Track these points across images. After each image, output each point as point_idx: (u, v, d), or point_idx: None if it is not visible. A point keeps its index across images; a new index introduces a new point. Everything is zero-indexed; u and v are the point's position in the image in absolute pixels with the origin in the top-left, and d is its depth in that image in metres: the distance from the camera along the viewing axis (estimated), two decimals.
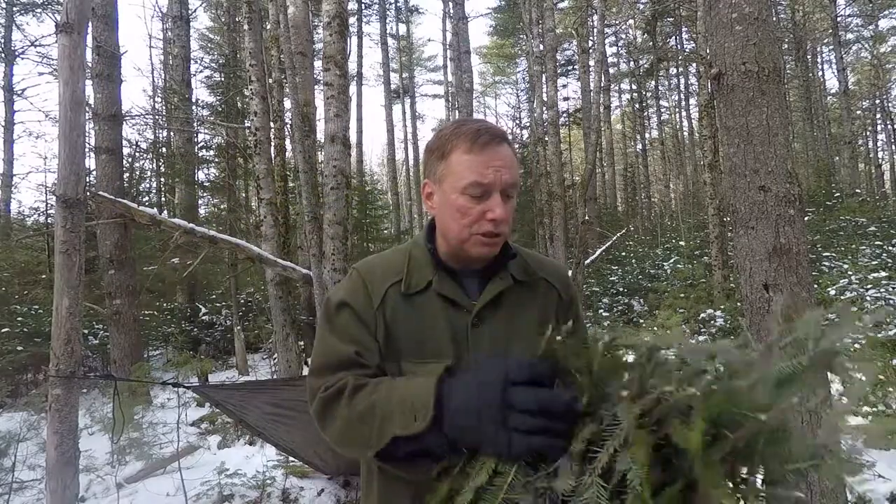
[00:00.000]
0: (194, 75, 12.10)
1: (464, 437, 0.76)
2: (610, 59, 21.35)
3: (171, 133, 11.38)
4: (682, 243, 10.26)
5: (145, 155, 11.70)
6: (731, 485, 0.63)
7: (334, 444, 0.92)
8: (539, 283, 1.07)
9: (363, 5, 20.63)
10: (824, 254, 8.10)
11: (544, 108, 12.16)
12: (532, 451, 0.71)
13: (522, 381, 0.74)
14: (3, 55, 12.89)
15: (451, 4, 13.59)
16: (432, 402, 0.77)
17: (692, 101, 21.42)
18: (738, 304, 6.19)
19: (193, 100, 11.40)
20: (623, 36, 22.12)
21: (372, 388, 0.88)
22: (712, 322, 6.49)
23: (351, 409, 0.87)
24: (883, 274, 6.43)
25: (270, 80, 7.72)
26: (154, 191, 11.94)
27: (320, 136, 7.82)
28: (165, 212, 5.93)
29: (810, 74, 20.18)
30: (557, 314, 1.05)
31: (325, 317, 1.01)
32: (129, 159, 10.53)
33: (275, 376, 6.54)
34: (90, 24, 4.41)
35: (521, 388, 0.73)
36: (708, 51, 7.11)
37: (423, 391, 0.79)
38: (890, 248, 8.00)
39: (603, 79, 14.25)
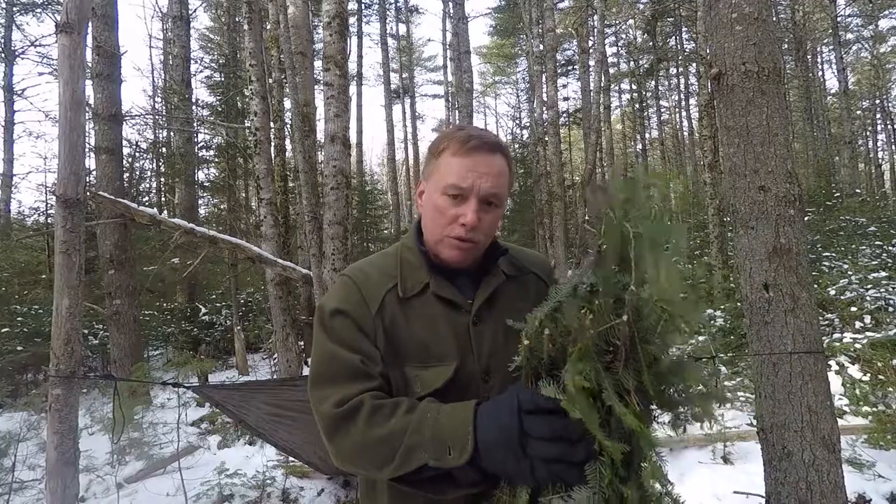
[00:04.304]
0: (194, 75, 12.11)
1: (496, 468, 0.78)
2: (610, 59, 21.34)
3: (171, 133, 11.38)
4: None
5: (145, 155, 11.70)
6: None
7: (342, 459, 0.90)
8: (529, 277, 1.09)
9: (363, 5, 20.62)
10: (824, 254, 8.09)
11: (544, 108, 12.15)
12: (554, 478, 0.74)
13: (534, 409, 0.76)
14: (3, 55, 12.88)
15: (451, 4, 13.59)
16: (471, 439, 0.78)
17: (692, 101, 21.40)
18: (738, 304, 6.19)
19: (193, 100, 11.39)
20: (623, 36, 22.13)
21: (391, 411, 0.86)
22: (712, 322, 6.48)
23: (369, 431, 0.85)
24: (883, 274, 6.42)
25: (270, 80, 7.72)
26: (154, 191, 11.96)
27: (320, 136, 7.82)
28: (165, 212, 5.93)
29: (810, 74, 20.15)
30: None
31: (320, 325, 0.98)
32: (129, 159, 10.53)
33: (275, 376, 6.54)
34: (90, 24, 4.41)
35: (535, 416, 0.76)
36: (708, 51, 7.11)
37: (460, 426, 0.80)
38: (890, 248, 8.00)
39: (603, 79, 14.26)
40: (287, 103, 7.75)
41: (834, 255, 7.99)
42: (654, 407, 0.79)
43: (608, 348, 0.75)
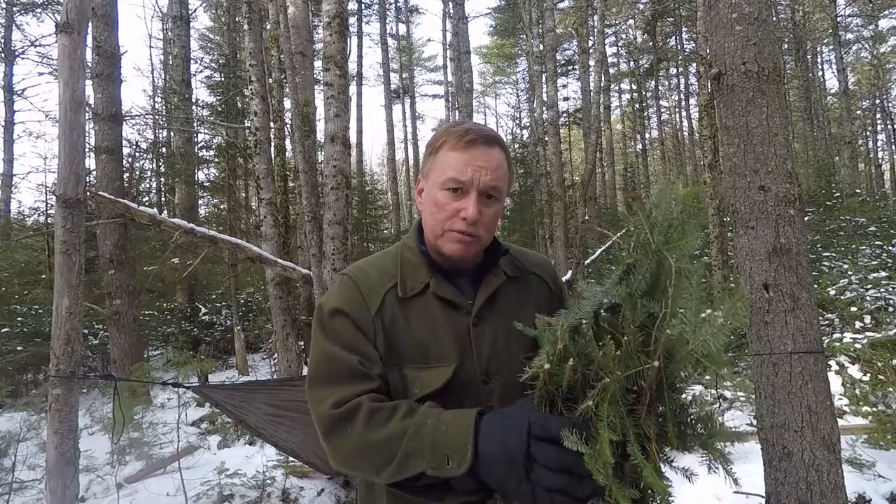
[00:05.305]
0: (194, 75, 12.10)
1: (494, 483, 0.77)
2: (610, 59, 21.34)
3: (171, 133, 11.38)
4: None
5: (145, 155, 11.70)
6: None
7: (339, 461, 0.89)
8: (530, 277, 1.08)
9: (363, 5, 20.62)
10: (824, 254, 8.09)
11: (544, 108, 12.15)
12: None
13: (544, 436, 0.74)
14: (3, 55, 12.88)
15: (451, 4, 13.58)
16: (471, 449, 0.77)
17: (692, 101, 21.41)
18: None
19: (193, 100, 11.39)
20: (623, 36, 22.12)
21: (389, 413, 0.85)
22: None
23: (367, 434, 0.84)
24: (883, 274, 6.42)
25: (270, 80, 7.72)
26: (154, 191, 11.95)
27: (320, 136, 7.82)
28: (165, 212, 5.93)
29: (810, 74, 20.17)
30: (550, 307, 1.05)
31: (319, 325, 0.97)
32: (129, 159, 10.53)
33: (275, 376, 6.54)
34: (90, 24, 4.41)
35: (544, 443, 0.74)
36: (708, 51, 7.10)
37: (460, 435, 0.78)
38: (890, 248, 7.99)
39: (603, 79, 14.24)
40: (287, 103, 7.75)
41: (834, 255, 7.98)
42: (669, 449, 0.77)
43: (632, 388, 0.72)
